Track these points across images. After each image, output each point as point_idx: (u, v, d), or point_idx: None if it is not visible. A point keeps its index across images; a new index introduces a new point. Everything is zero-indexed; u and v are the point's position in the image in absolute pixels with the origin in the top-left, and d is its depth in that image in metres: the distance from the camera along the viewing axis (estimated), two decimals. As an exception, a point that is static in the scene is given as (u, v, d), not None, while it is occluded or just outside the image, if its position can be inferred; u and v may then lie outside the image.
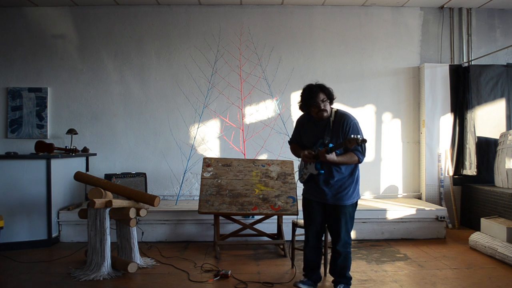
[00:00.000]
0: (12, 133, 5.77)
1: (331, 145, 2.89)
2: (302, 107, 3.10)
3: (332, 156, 2.87)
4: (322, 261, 3.53)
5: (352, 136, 2.72)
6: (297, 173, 3.36)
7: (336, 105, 5.93)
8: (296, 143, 3.31)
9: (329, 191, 3.05)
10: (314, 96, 2.98)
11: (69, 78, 5.83)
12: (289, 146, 3.42)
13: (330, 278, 3.35)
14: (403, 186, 5.94)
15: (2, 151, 5.57)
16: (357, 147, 2.87)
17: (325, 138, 3.00)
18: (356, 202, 3.14)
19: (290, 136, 3.41)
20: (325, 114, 3.02)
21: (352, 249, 4.22)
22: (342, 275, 3.14)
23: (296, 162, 4.48)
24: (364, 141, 2.71)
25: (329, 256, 3.42)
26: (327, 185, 3.05)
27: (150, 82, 5.86)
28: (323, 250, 3.40)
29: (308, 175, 3.13)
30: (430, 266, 3.90)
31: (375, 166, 5.87)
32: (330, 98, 3.04)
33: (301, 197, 3.31)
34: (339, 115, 3.06)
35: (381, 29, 5.95)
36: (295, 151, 3.29)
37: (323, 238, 3.31)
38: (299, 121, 3.29)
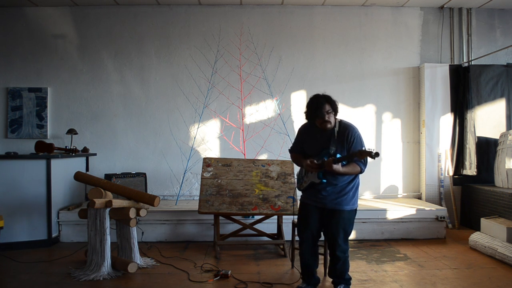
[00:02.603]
0: (12, 133, 5.78)
1: (338, 155, 2.94)
2: (307, 116, 3.13)
3: (338, 167, 2.91)
4: (322, 262, 3.53)
5: (366, 148, 2.79)
6: (296, 180, 3.37)
7: (336, 105, 5.92)
8: (298, 152, 3.32)
9: (328, 196, 3.06)
10: (320, 107, 3.02)
11: (69, 78, 5.84)
12: (290, 154, 3.41)
13: (330, 278, 3.35)
14: (403, 186, 5.94)
15: (2, 151, 5.57)
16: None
17: (331, 148, 3.04)
18: (355, 210, 3.14)
19: (291, 145, 3.41)
20: (329, 125, 3.06)
21: (352, 249, 4.23)
22: (341, 277, 3.16)
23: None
24: (377, 154, 2.73)
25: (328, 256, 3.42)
26: (326, 191, 3.07)
27: (150, 82, 5.86)
28: (320, 251, 3.39)
29: (309, 183, 3.13)
30: (430, 266, 3.90)
31: (375, 166, 5.86)
32: (335, 110, 3.08)
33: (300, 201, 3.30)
34: (343, 126, 3.09)
35: (381, 29, 5.95)
36: (296, 160, 3.31)
37: (318, 243, 3.30)
38: (301, 130, 3.30)
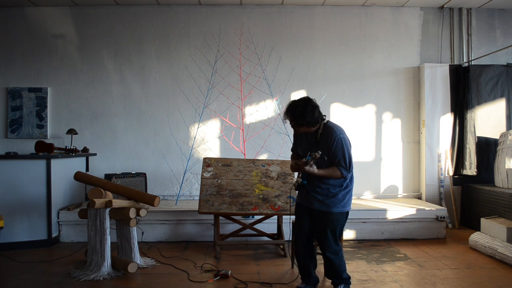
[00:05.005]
0: (12, 133, 5.78)
1: (308, 157, 2.94)
2: (283, 120, 3.15)
3: (311, 168, 2.92)
4: (322, 262, 3.52)
5: (314, 152, 2.85)
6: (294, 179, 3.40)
7: (336, 105, 5.98)
8: (294, 152, 3.35)
9: (316, 197, 3.06)
10: (285, 118, 3.04)
11: (69, 78, 5.84)
12: (291, 146, 3.45)
13: (328, 279, 3.35)
14: (403, 186, 5.94)
15: (2, 151, 5.57)
16: (341, 162, 2.96)
17: (311, 150, 3.02)
18: (347, 213, 3.12)
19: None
20: (300, 131, 3.05)
21: (352, 249, 4.23)
22: (339, 277, 3.15)
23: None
24: (322, 157, 2.85)
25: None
26: (314, 192, 3.07)
27: (150, 82, 5.86)
28: (319, 251, 3.40)
29: (297, 183, 3.15)
30: (430, 266, 3.90)
31: (375, 166, 5.86)
32: (303, 124, 2.97)
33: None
34: (327, 128, 3.05)
35: (381, 29, 5.95)
36: (292, 160, 3.33)
37: (314, 244, 3.30)
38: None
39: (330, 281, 3.23)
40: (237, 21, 5.83)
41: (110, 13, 5.85)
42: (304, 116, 2.93)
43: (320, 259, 3.25)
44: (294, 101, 3.02)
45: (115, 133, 5.84)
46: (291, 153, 3.42)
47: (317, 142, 3.04)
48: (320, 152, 2.83)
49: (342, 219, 3.10)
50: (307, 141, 3.13)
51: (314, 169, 2.93)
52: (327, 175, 2.99)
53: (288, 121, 3.04)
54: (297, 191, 3.27)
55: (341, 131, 3.05)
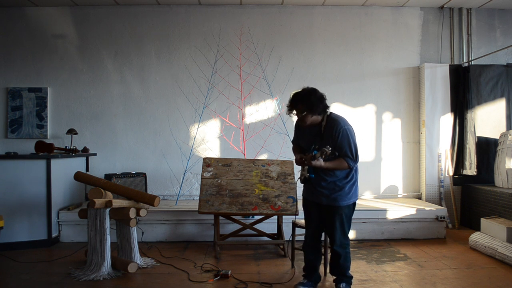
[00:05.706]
0: (12, 133, 5.77)
1: (315, 152, 2.92)
2: (287, 112, 3.12)
3: (318, 162, 2.90)
4: (322, 261, 3.53)
5: (324, 148, 2.80)
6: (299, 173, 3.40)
7: (336, 105, 5.98)
8: (296, 144, 3.34)
9: (323, 192, 3.06)
10: (292, 107, 3.02)
11: (69, 78, 5.84)
12: (291, 145, 3.46)
13: (330, 278, 3.36)
14: (403, 186, 5.94)
15: (2, 151, 5.57)
16: (347, 153, 2.95)
17: (316, 143, 3.01)
18: (354, 204, 3.13)
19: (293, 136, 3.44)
20: (305, 124, 3.04)
21: (352, 249, 4.22)
22: (342, 274, 3.16)
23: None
24: (333, 153, 2.82)
25: (329, 256, 3.43)
26: (321, 187, 3.07)
27: (150, 82, 5.86)
28: (322, 250, 3.41)
29: (303, 177, 3.15)
30: (430, 266, 3.90)
31: (375, 166, 5.87)
32: (312, 111, 2.98)
33: (301, 197, 3.33)
34: (330, 120, 3.04)
35: (381, 29, 5.95)
36: (294, 152, 3.33)
37: (322, 239, 3.32)
38: (297, 124, 3.30)
39: (331, 280, 3.24)
40: (237, 21, 5.83)
41: (110, 13, 5.85)
42: (311, 101, 2.95)
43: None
44: (298, 92, 3.05)
45: (115, 133, 5.84)
46: (291, 152, 3.43)
47: (321, 134, 3.03)
48: (331, 148, 2.80)
49: (349, 211, 3.11)
50: (310, 134, 3.11)
51: (321, 162, 2.91)
52: (334, 167, 2.98)
53: (293, 112, 3.02)
54: (302, 184, 3.26)
55: (345, 122, 3.04)
